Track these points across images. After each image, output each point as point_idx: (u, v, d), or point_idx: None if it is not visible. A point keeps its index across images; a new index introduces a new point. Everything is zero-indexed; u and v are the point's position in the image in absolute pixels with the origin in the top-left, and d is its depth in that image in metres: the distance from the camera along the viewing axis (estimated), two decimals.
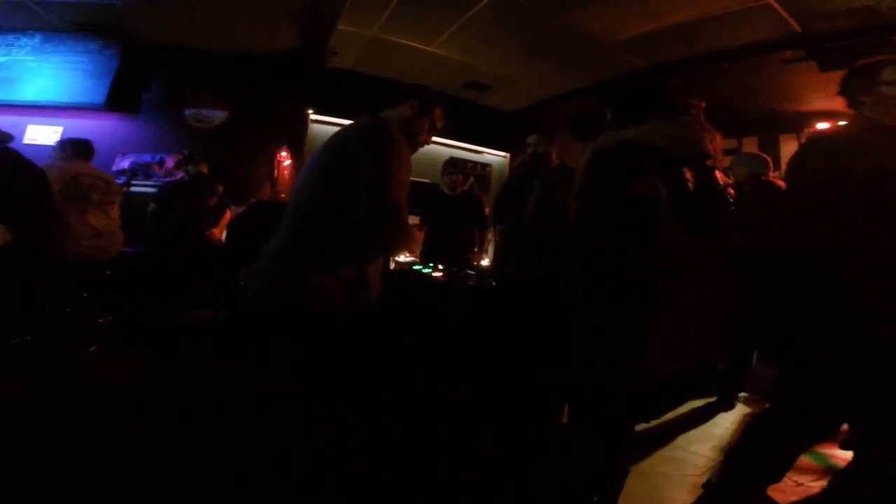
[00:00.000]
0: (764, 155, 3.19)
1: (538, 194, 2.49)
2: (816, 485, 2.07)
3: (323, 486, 1.35)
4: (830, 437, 1.76)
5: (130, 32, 4.62)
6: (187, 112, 5.18)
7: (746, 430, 1.61)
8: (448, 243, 3.13)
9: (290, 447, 1.41)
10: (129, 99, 4.78)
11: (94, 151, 3.15)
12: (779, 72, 4.25)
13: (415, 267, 2.51)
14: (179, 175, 4.29)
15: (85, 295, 3.03)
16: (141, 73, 4.85)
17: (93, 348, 2.94)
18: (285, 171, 5.32)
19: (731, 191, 1.38)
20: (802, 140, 5.42)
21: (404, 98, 1.50)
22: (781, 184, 3.03)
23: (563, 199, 1.51)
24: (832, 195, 1.21)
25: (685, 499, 1.92)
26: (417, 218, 3.51)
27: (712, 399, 3.00)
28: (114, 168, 4.51)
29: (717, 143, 1.35)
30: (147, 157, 4.78)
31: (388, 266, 2.38)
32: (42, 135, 4.51)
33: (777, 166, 5.67)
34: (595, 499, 1.52)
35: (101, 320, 3.15)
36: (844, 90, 1.51)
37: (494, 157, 6.81)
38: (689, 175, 1.23)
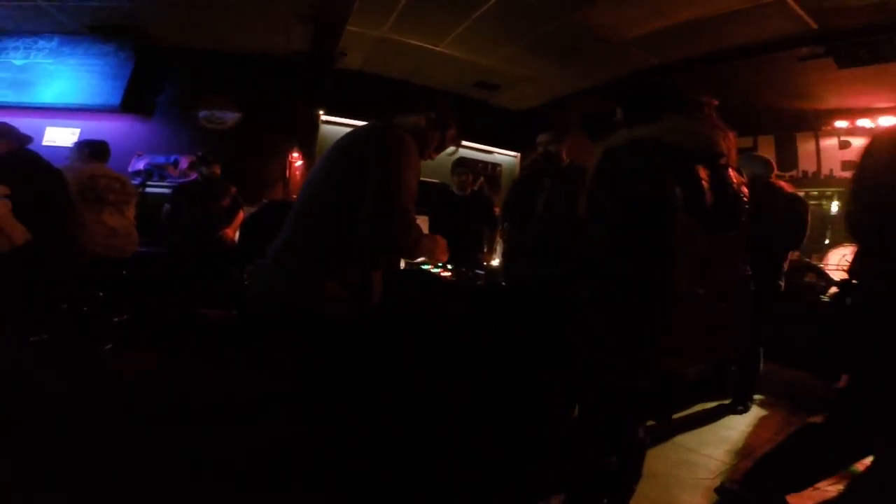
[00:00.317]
0: (766, 157, 3.12)
1: (549, 193, 2.48)
2: (833, 489, 2.02)
3: (323, 486, 1.36)
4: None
5: (145, 35, 4.70)
6: (201, 114, 5.25)
7: (794, 437, 1.57)
8: (458, 243, 3.12)
9: (292, 447, 1.42)
10: (144, 101, 4.87)
11: (110, 153, 3.21)
12: (795, 69, 4.17)
13: (423, 267, 2.51)
14: (193, 176, 4.35)
15: (101, 294, 3.09)
16: (155, 75, 4.93)
17: (107, 346, 3.00)
18: (297, 172, 5.37)
19: (745, 189, 1.36)
20: (819, 138, 5.34)
21: (421, 104, 1.49)
22: (785, 186, 2.95)
23: (573, 199, 1.49)
24: None
25: (697, 502, 1.90)
26: (426, 218, 3.51)
27: (725, 401, 2.95)
28: (129, 169, 4.59)
29: (731, 141, 1.32)
30: (161, 159, 4.85)
31: (398, 266, 2.38)
32: (60, 136, 4.61)
33: (794, 165, 5.60)
34: (605, 501, 1.51)
35: (116, 319, 3.20)
36: None
37: (505, 156, 6.79)
38: (703, 174, 1.22)
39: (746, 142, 5.56)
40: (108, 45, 4.66)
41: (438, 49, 4.71)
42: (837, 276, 3.94)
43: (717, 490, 1.74)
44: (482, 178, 3.95)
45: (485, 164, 6.51)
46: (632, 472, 1.51)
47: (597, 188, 1.27)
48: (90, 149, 3.11)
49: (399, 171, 1.26)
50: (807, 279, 4.01)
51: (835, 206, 5.26)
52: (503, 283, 2.36)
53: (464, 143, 5.91)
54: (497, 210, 3.63)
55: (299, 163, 5.41)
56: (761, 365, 3.00)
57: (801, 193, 5.55)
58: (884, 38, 3.39)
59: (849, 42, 3.58)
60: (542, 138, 2.52)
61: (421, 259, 2.58)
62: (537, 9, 3.78)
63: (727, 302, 1.22)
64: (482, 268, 2.87)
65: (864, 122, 4.97)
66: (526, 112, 6.42)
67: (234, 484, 1.71)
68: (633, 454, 1.49)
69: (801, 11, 3.36)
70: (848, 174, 5.17)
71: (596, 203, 1.28)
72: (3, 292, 2.32)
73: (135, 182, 3.81)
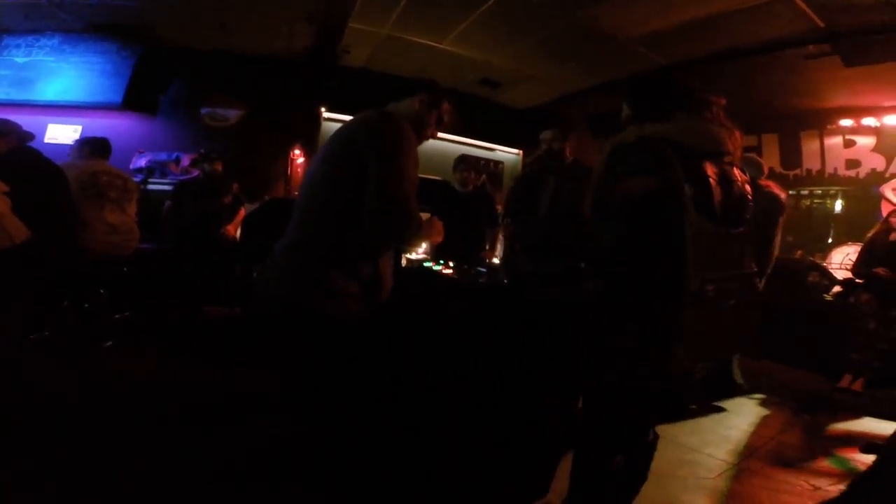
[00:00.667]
0: (758, 159, 3.10)
1: (552, 191, 2.46)
2: (834, 489, 2.01)
3: (323, 486, 1.35)
4: None
5: (148, 33, 4.69)
6: (203, 111, 5.25)
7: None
8: (459, 240, 3.12)
9: (292, 447, 1.41)
10: (146, 98, 4.87)
11: (111, 150, 3.20)
12: (801, 67, 4.15)
13: (425, 264, 2.50)
14: (195, 173, 4.35)
15: (102, 291, 3.09)
16: (158, 73, 4.93)
17: (108, 344, 3.00)
18: (298, 169, 5.37)
19: (749, 188, 1.35)
20: (824, 137, 5.31)
21: (412, 91, 1.49)
22: (773, 186, 2.93)
23: (578, 196, 1.48)
24: None
25: (701, 502, 1.89)
26: (428, 214, 3.50)
27: (727, 400, 2.94)
28: (131, 166, 4.59)
29: (737, 139, 1.32)
30: (163, 156, 4.85)
31: (400, 263, 2.37)
32: (62, 134, 4.62)
33: (798, 163, 5.57)
34: (608, 500, 1.50)
35: (117, 316, 3.20)
36: None
37: (507, 154, 6.77)
38: (710, 171, 1.21)
39: (751, 140, 5.54)
40: (110, 44, 4.66)
41: (442, 46, 4.70)
42: (840, 275, 3.93)
43: None
44: (484, 176, 3.93)
45: (487, 161, 6.50)
46: (639, 474, 1.50)
47: (604, 186, 1.26)
48: (91, 146, 3.11)
49: (398, 162, 1.25)
50: (810, 278, 3.99)
51: (838, 205, 5.24)
52: (505, 281, 2.35)
53: (466, 139, 5.94)
54: (499, 207, 3.62)
55: (301, 160, 5.40)
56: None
57: (805, 192, 5.55)
58: (892, 37, 3.36)
59: (856, 40, 3.55)
60: (545, 135, 2.50)
61: (422, 255, 2.58)
62: (542, 6, 3.76)
63: (734, 299, 1.21)
64: (484, 265, 2.86)
65: (868, 121, 4.94)
66: (529, 110, 6.40)
67: (235, 483, 1.70)
68: (641, 455, 1.48)
69: (808, 9, 3.33)
70: (852, 173, 5.17)
71: (603, 201, 1.27)
72: (3, 290, 2.32)
73: (136, 179, 3.81)
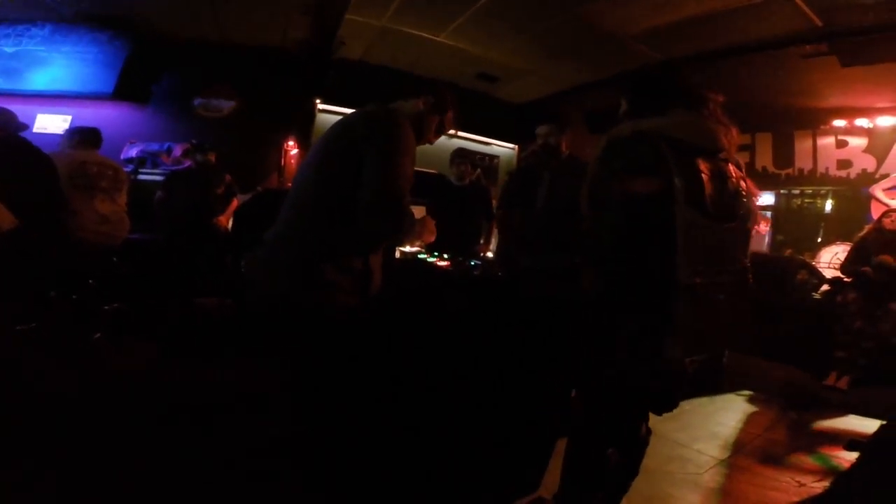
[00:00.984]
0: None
1: (548, 186, 2.46)
2: (818, 485, 2.05)
3: (323, 486, 1.35)
4: None
5: (139, 23, 4.61)
6: (196, 102, 5.19)
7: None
8: (455, 233, 3.11)
9: (292, 446, 1.41)
10: (138, 88, 4.80)
11: (101, 140, 3.16)
12: (797, 67, 4.15)
13: (420, 256, 2.50)
14: (187, 164, 4.30)
15: (91, 282, 3.05)
16: (150, 63, 4.85)
17: (97, 335, 2.97)
18: (292, 161, 5.33)
19: (745, 183, 1.36)
20: (817, 136, 5.35)
21: (420, 91, 1.47)
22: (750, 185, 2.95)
23: (573, 191, 1.48)
24: None
25: (689, 497, 1.91)
26: (423, 208, 3.50)
27: (716, 396, 2.98)
28: (122, 156, 4.53)
29: (733, 136, 1.32)
30: (155, 146, 4.79)
31: (393, 255, 2.36)
32: (51, 123, 4.54)
33: (790, 163, 5.61)
34: (598, 495, 1.51)
35: (106, 307, 3.17)
36: None
37: (502, 148, 6.77)
38: (703, 167, 1.21)
39: (744, 139, 5.57)
40: (102, 34, 4.58)
41: (439, 39, 4.66)
42: (829, 273, 3.98)
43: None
44: (479, 170, 3.93)
45: (482, 155, 6.49)
46: (630, 468, 1.51)
47: (600, 180, 1.26)
48: (81, 135, 3.07)
49: (396, 159, 1.24)
50: (799, 277, 4.04)
51: (828, 205, 5.30)
52: (499, 274, 2.36)
53: (462, 133, 5.92)
54: (494, 202, 3.62)
55: (294, 151, 5.36)
56: None
57: (797, 191, 5.59)
58: (890, 37, 3.36)
59: (854, 40, 3.55)
60: (541, 130, 2.49)
61: (416, 248, 2.57)
62: (541, 1, 3.74)
63: (725, 293, 1.22)
64: (479, 258, 2.87)
65: (861, 122, 4.98)
66: (525, 105, 6.39)
67: (233, 482, 1.69)
68: (633, 450, 1.49)
69: (806, 8, 3.33)
70: (843, 173, 5.22)
71: (598, 196, 1.27)
72: None
73: (127, 169, 3.76)
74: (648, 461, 1.54)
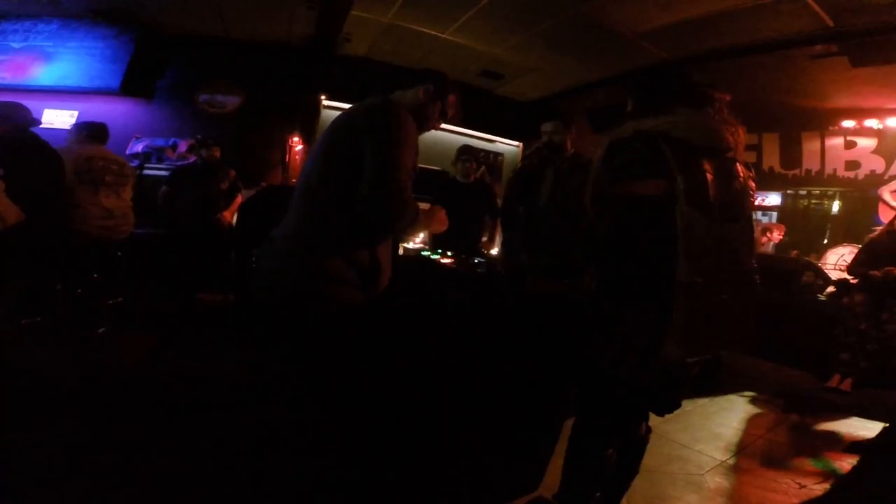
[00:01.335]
0: None
1: (552, 183, 2.45)
2: (819, 487, 2.04)
3: (323, 485, 1.35)
4: None
5: (146, 19, 4.64)
6: (201, 97, 5.20)
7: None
8: (459, 231, 3.10)
9: (293, 441, 1.41)
10: (144, 84, 4.81)
11: (108, 135, 3.17)
12: (806, 67, 4.10)
13: (423, 253, 2.50)
14: (191, 159, 4.32)
15: (96, 276, 3.08)
16: (156, 59, 4.87)
17: (101, 329, 2.99)
18: (297, 156, 5.34)
19: (753, 183, 1.35)
20: (825, 137, 5.30)
21: (419, 80, 1.47)
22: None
23: (578, 189, 1.47)
24: None
25: (689, 498, 1.91)
26: (427, 204, 3.49)
27: (717, 397, 2.97)
28: (128, 151, 4.56)
29: (740, 136, 1.31)
30: (160, 141, 4.82)
31: (397, 252, 2.36)
32: (58, 119, 4.56)
33: (797, 164, 5.56)
34: (598, 495, 1.51)
35: (111, 302, 3.19)
36: None
37: (507, 146, 6.75)
38: (707, 166, 1.20)
39: (751, 139, 5.53)
40: (109, 29, 4.60)
41: (444, 36, 4.65)
42: (835, 275, 3.95)
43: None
44: (483, 167, 3.91)
45: (487, 152, 6.48)
46: (630, 468, 1.51)
47: (602, 181, 1.25)
48: (88, 130, 3.08)
49: (394, 149, 1.23)
50: (805, 278, 4.01)
51: (836, 206, 5.25)
52: (502, 272, 2.35)
53: (467, 131, 5.91)
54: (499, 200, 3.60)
55: (299, 147, 5.37)
56: None
57: (804, 192, 5.55)
58: None
59: (865, 41, 3.50)
60: (546, 127, 2.47)
61: (419, 244, 2.57)
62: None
63: (728, 294, 1.21)
64: (483, 256, 2.86)
65: (871, 123, 4.93)
66: (530, 102, 6.37)
67: (233, 474, 1.71)
68: (633, 450, 1.49)
69: (817, 8, 3.28)
70: (851, 174, 5.18)
71: (601, 196, 1.26)
72: None
73: (133, 164, 3.78)
74: (649, 461, 1.55)
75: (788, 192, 5.70)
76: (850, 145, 5.19)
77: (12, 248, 2.31)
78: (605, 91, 5.23)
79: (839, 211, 5.22)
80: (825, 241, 5.01)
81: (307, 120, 5.39)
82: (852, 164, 5.17)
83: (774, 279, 3.75)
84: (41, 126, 2.86)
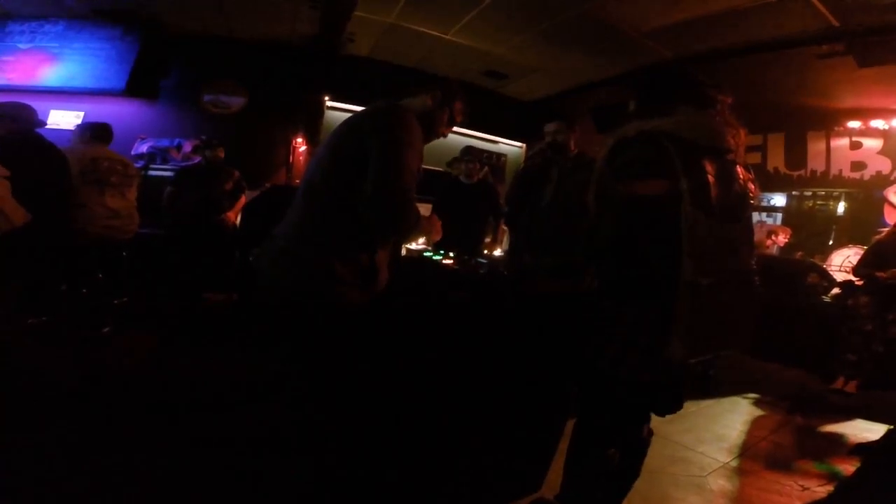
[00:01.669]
0: None
1: (556, 183, 2.44)
2: (822, 490, 2.03)
3: (325, 481, 1.35)
4: None
5: (151, 20, 4.66)
6: (205, 98, 5.23)
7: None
8: (462, 231, 3.11)
9: (294, 441, 1.41)
10: (149, 85, 4.84)
11: (113, 136, 3.19)
12: (812, 67, 4.07)
13: (426, 254, 2.50)
14: (196, 159, 4.34)
15: (101, 276, 3.09)
16: (161, 60, 4.90)
17: (106, 329, 3.01)
18: (300, 157, 5.35)
19: (753, 185, 1.35)
20: (831, 138, 5.26)
21: (427, 87, 1.48)
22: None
23: (581, 189, 1.47)
24: None
25: (692, 500, 1.90)
26: (430, 206, 3.50)
27: (721, 398, 2.96)
28: (133, 152, 4.59)
29: (741, 137, 1.31)
30: (165, 142, 4.84)
31: (399, 254, 2.36)
32: (64, 119, 4.59)
33: (802, 164, 5.53)
34: (601, 495, 1.51)
35: (115, 302, 3.21)
36: None
37: (510, 147, 6.74)
38: (709, 167, 1.20)
39: (756, 139, 5.49)
40: (114, 30, 4.63)
41: (447, 37, 4.65)
42: (840, 277, 3.92)
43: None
44: (486, 168, 3.92)
45: (490, 153, 6.47)
46: (632, 469, 1.51)
47: (606, 181, 1.25)
48: (93, 131, 3.11)
49: (400, 151, 1.24)
50: (809, 280, 3.98)
51: (841, 207, 5.21)
52: (505, 273, 2.35)
53: (470, 132, 5.91)
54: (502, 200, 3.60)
55: (303, 148, 5.39)
56: None
57: (809, 193, 5.52)
58: None
59: (872, 40, 3.48)
60: (549, 127, 2.47)
61: (421, 245, 2.57)
62: None
63: (729, 293, 1.21)
64: (485, 257, 2.86)
65: (877, 123, 4.89)
66: (534, 102, 6.35)
67: (233, 474, 1.71)
68: (635, 451, 1.49)
69: (823, 8, 3.27)
70: (857, 175, 5.14)
71: (604, 196, 1.27)
72: (1, 273, 2.32)
73: (138, 165, 3.80)
74: (651, 462, 1.54)
75: (793, 193, 5.66)
76: (855, 146, 5.14)
77: (17, 248, 2.33)
78: (608, 90, 5.22)
79: (844, 212, 5.19)
80: (830, 243, 4.97)
81: (311, 120, 5.41)
82: (858, 165, 5.13)
83: (779, 280, 3.73)
84: (47, 127, 2.88)
